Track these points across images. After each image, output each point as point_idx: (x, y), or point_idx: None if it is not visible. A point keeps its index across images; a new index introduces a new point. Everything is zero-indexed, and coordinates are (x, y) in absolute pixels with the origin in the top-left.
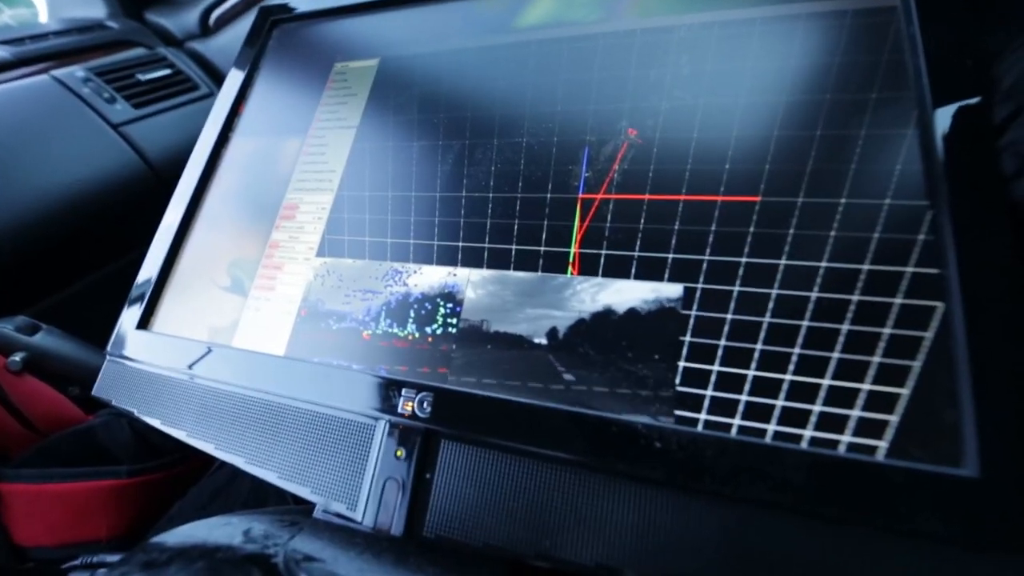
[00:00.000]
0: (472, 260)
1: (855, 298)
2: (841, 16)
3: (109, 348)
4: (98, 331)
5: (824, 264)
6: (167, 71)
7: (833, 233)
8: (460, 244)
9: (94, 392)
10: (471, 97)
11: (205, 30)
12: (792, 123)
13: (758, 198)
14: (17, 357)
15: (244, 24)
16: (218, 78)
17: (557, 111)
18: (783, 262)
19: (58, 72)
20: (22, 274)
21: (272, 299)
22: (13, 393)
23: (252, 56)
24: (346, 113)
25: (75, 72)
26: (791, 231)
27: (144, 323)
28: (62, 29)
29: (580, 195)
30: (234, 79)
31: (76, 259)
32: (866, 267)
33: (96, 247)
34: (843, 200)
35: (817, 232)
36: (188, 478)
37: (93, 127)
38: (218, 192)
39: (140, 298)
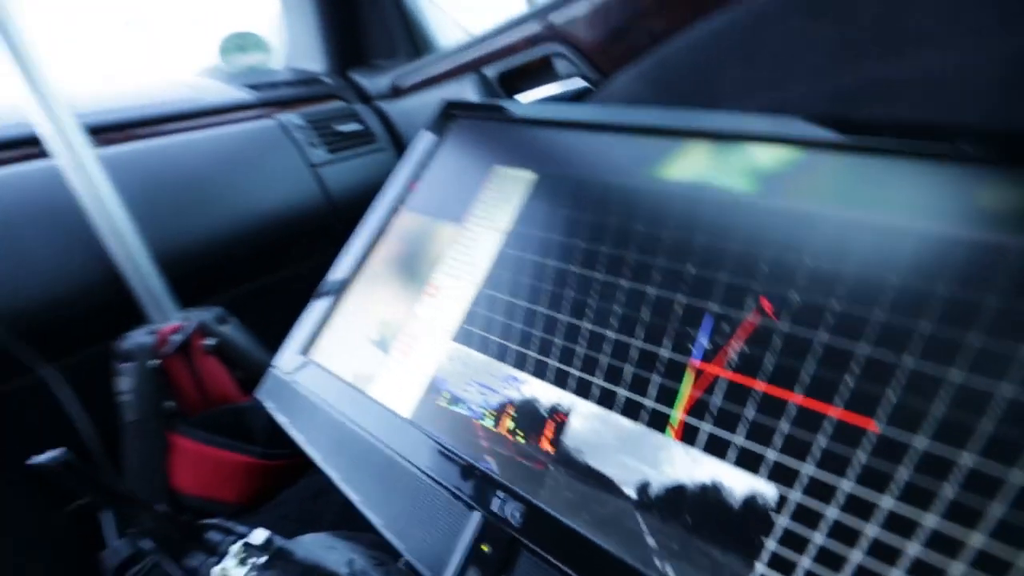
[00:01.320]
0: (582, 390)
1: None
2: (1005, 252)
3: (274, 360)
4: (261, 327)
5: (933, 522)
6: (358, 126)
7: (953, 489)
8: (574, 371)
9: (256, 394)
10: (610, 233)
11: (393, 93)
12: (931, 356)
13: (876, 427)
14: (212, 341)
15: (422, 96)
16: (394, 135)
17: (689, 271)
18: (890, 504)
19: (282, 117)
20: (215, 272)
21: (407, 365)
22: (199, 368)
23: (430, 141)
24: (498, 216)
25: (293, 118)
26: (907, 473)
27: (305, 350)
28: (291, 80)
29: (694, 362)
30: (412, 158)
31: (254, 265)
32: (980, 537)
33: (271, 258)
34: (968, 455)
35: (932, 483)
36: (302, 469)
37: (296, 165)
38: (382, 254)
39: (306, 327)
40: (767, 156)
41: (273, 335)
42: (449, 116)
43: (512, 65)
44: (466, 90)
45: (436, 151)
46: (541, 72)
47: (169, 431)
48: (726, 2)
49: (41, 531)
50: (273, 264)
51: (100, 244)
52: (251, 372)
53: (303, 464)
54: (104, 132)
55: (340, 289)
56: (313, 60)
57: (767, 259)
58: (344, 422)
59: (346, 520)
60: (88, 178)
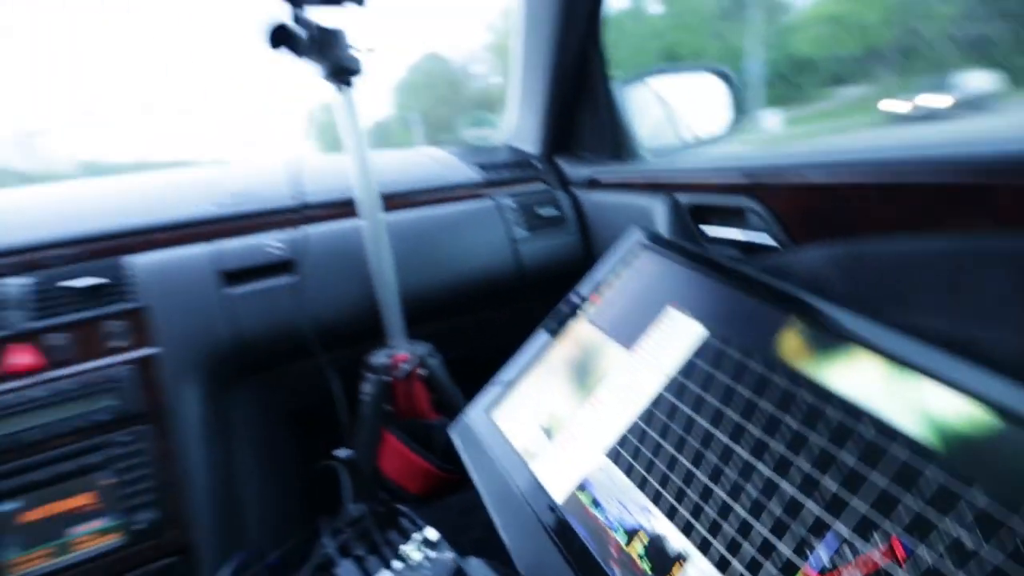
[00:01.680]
0: (703, 547)
1: None
2: None
3: (467, 407)
4: (454, 356)
5: None
6: (555, 212)
7: None
8: (700, 528)
9: (449, 430)
10: (764, 417)
11: (589, 184)
12: None
13: None
14: (423, 371)
15: (616, 196)
16: (583, 222)
17: (828, 484)
18: None
19: (499, 198)
20: (427, 310)
21: (565, 459)
22: (411, 389)
23: (616, 263)
24: (664, 358)
25: (507, 201)
26: None
27: (489, 410)
28: (509, 161)
29: (809, 571)
30: (600, 271)
31: (456, 309)
32: None
33: (469, 306)
34: None
35: None
36: (463, 485)
37: (501, 239)
38: (561, 351)
39: (493, 392)
40: (969, 416)
41: (462, 364)
42: (639, 245)
43: (706, 202)
44: (656, 206)
45: (621, 272)
46: (732, 215)
47: (384, 428)
48: (936, 228)
49: (298, 478)
50: (470, 310)
51: (371, 281)
52: (442, 396)
53: (465, 482)
54: (387, 199)
55: (524, 370)
56: (529, 142)
57: (914, 508)
58: (506, 478)
59: (485, 540)
60: (376, 234)
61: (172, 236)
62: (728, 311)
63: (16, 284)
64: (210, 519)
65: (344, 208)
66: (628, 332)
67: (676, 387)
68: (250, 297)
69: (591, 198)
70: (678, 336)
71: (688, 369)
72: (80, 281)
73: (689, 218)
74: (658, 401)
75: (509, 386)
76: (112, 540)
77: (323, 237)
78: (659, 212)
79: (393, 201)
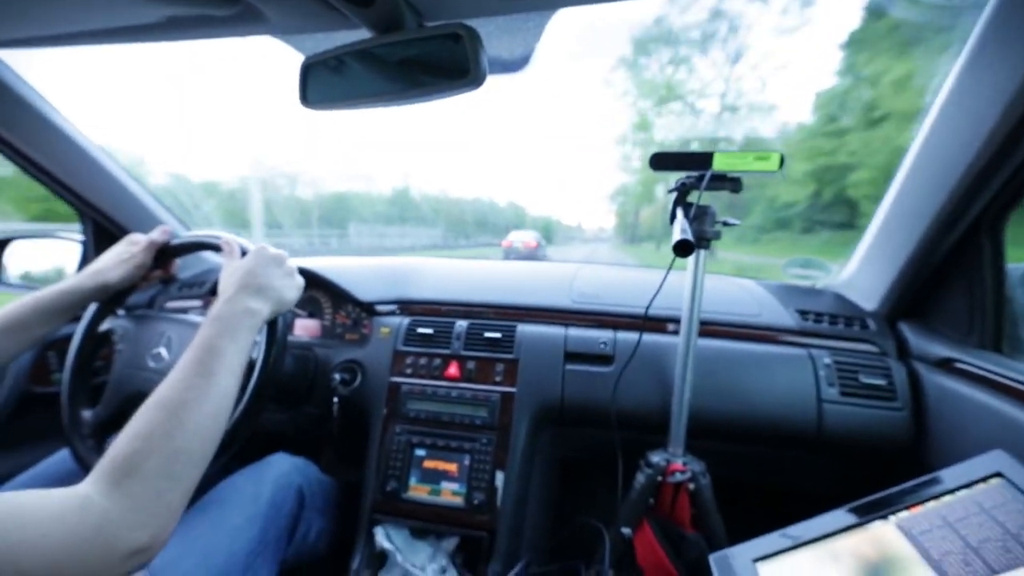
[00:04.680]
0: None
1: None
2: None
3: (734, 547)
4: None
5: None
6: (883, 382)
7: None
8: None
9: (711, 557)
10: None
11: (939, 364)
12: None
13: None
14: (692, 487)
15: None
16: (919, 405)
17: None
18: None
19: (814, 351)
20: (705, 431)
21: None
22: (677, 496)
23: (960, 486)
24: None
25: (824, 357)
26: None
27: (759, 559)
28: (835, 313)
29: None
30: (931, 487)
31: (729, 439)
32: None
33: (747, 441)
34: None
35: None
36: None
37: (806, 393)
38: (854, 540)
39: (769, 541)
40: None
41: (729, 485)
42: (1008, 483)
43: None
44: None
45: (963, 497)
46: None
47: (644, 517)
48: None
49: (564, 510)
50: (753, 443)
51: (670, 390)
52: (703, 516)
53: None
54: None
55: (810, 539)
56: (865, 295)
57: None
58: None
59: None
60: (687, 355)
61: (542, 315)
62: None
63: (461, 324)
64: (510, 516)
65: (664, 323)
66: (950, 564)
67: None
68: (579, 374)
69: (939, 381)
70: None
71: None
72: (490, 332)
73: None
74: None
75: (789, 547)
76: (458, 500)
77: (644, 344)
78: None
79: (708, 327)
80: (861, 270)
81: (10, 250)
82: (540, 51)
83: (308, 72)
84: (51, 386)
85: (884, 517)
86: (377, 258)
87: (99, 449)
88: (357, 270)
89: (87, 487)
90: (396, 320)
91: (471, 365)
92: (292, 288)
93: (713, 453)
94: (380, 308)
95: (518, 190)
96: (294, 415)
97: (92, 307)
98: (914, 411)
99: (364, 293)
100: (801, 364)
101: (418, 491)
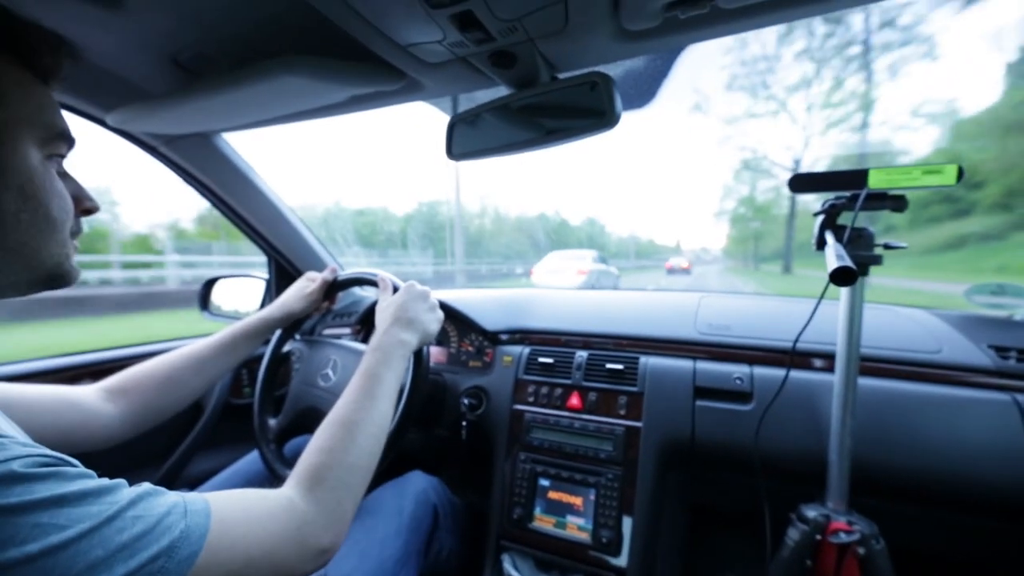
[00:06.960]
0: None
1: None
2: None
3: None
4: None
5: None
6: None
7: None
8: None
9: None
10: None
11: None
12: None
13: None
14: (862, 551)
15: None
16: None
17: None
18: None
19: (1018, 394)
20: (869, 487)
21: None
22: (843, 560)
23: None
24: None
25: None
26: None
27: None
28: None
29: None
30: None
31: (903, 499)
32: None
33: (927, 503)
34: None
35: None
36: None
37: (1011, 446)
38: None
39: None
40: None
41: (903, 555)
42: None
43: None
44: None
45: None
46: None
47: None
48: None
49: (692, 557)
50: (936, 506)
51: (825, 435)
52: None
53: None
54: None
55: None
56: None
57: None
58: None
59: None
60: (846, 395)
61: (668, 347)
62: None
63: (581, 355)
64: (639, 558)
65: (809, 358)
66: None
67: None
68: (712, 412)
69: None
70: None
71: None
72: (611, 364)
73: None
74: None
75: None
76: (584, 537)
77: (790, 382)
78: None
79: (869, 365)
80: None
81: (216, 287)
82: (667, 85)
83: (453, 129)
84: (243, 398)
85: None
86: (499, 289)
87: (279, 452)
88: (481, 300)
89: (288, 491)
90: (517, 349)
91: (592, 396)
92: (435, 321)
93: (881, 513)
94: (502, 337)
95: (633, 215)
96: (425, 436)
97: (277, 332)
98: None
99: (488, 323)
100: (1003, 411)
101: (544, 522)
